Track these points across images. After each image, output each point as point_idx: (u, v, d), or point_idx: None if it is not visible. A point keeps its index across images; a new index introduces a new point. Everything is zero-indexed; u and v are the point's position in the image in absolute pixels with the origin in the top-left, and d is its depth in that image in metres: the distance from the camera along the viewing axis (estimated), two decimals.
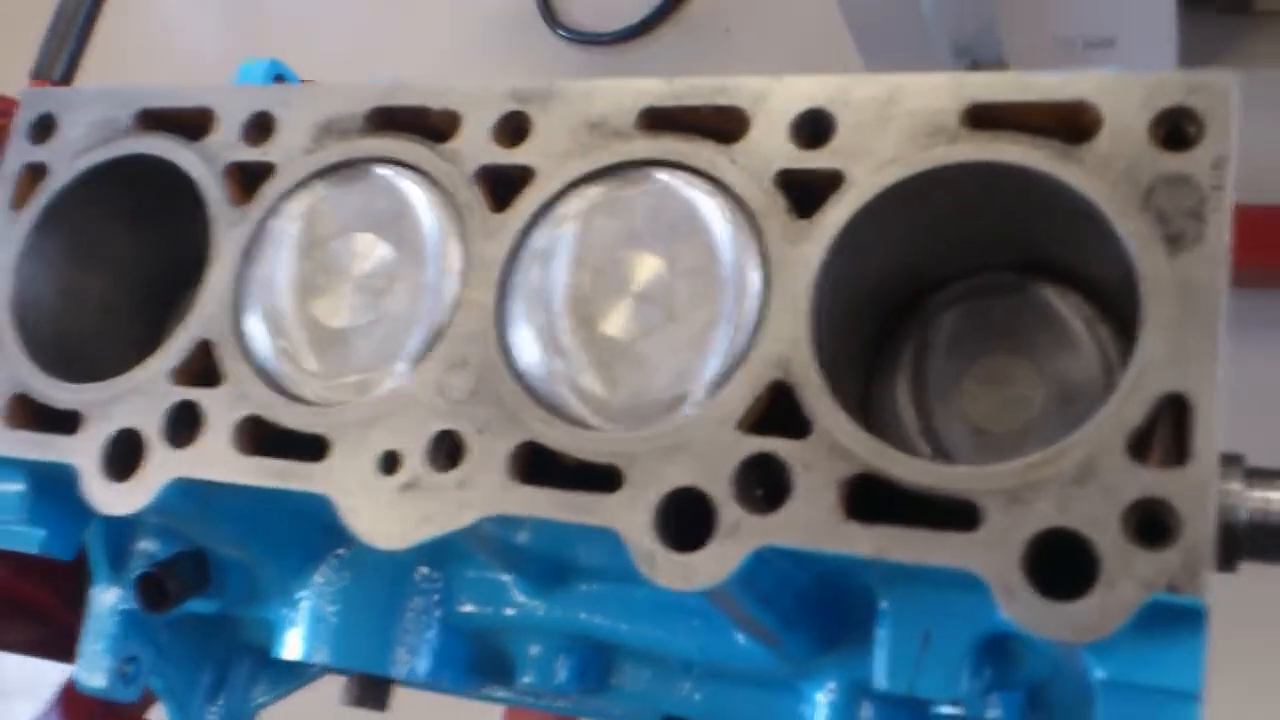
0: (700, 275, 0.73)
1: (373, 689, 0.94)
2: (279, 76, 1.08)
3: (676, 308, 0.73)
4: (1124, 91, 0.67)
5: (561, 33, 3.17)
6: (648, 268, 0.75)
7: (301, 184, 0.82)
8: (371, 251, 0.82)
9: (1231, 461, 0.75)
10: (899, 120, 0.71)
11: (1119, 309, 0.75)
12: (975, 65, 2.52)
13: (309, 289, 0.83)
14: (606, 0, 3.18)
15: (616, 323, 0.75)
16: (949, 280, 0.82)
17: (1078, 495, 0.61)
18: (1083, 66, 2.01)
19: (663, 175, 0.76)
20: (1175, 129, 0.66)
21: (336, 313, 0.82)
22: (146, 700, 1.20)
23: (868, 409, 0.81)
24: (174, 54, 3.53)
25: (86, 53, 1.47)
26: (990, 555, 0.61)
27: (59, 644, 1.19)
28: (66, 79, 1.43)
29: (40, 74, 1.44)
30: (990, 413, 0.79)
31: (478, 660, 0.92)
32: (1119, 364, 0.75)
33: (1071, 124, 0.68)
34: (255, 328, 0.82)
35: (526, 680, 0.90)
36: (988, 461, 0.65)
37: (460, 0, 3.36)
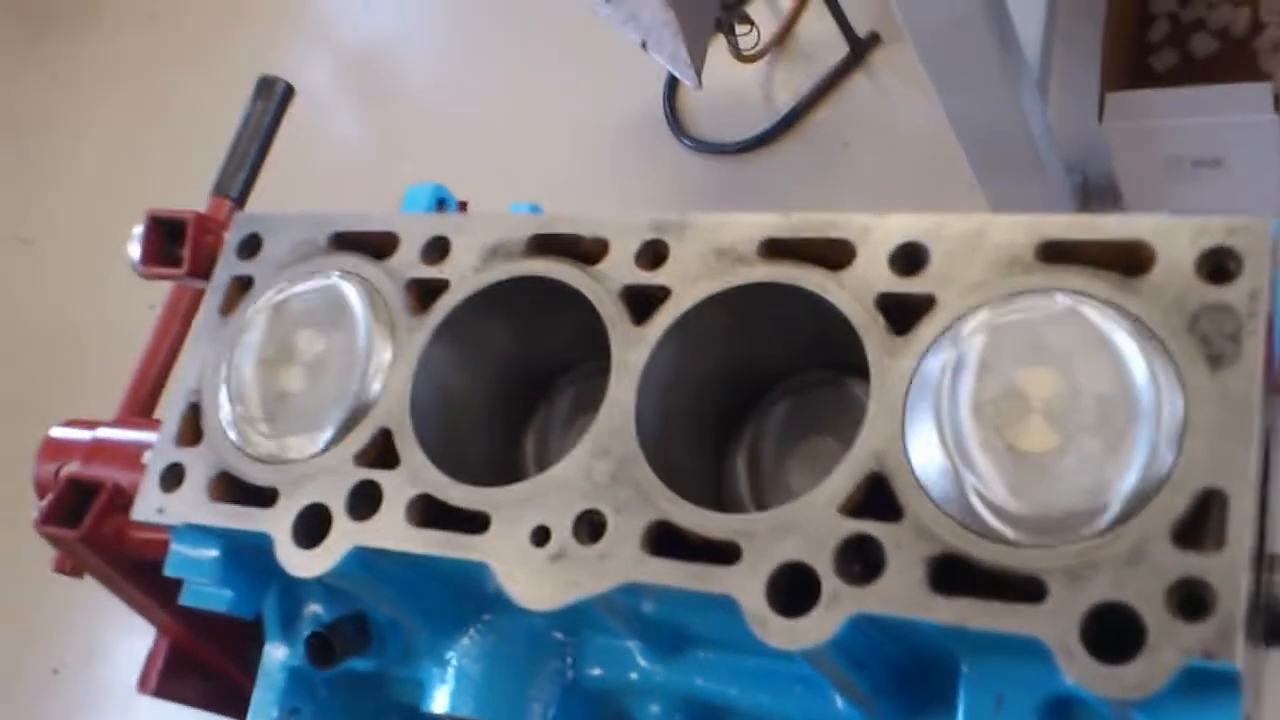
0: None
1: None
2: (441, 200, 1.24)
3: None
4: (1174, 233, 0.78)
5: (687, 142, 3.33)
6: None
7: (472, 299, 0.96)
8: None
9: None
10: (984, 252, 0.83)
11: None
12: (1087, 181, 2.62)
13: None
14: (731, 113, 3.33)
15: None
16: None
17: (1129, 574, 0.71)
18: (1191, 185, 2.07)
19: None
20: (1218, 265, 0.77)
21: None
22: None
23: None
24: (327, 169, 3.76)
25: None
26: (1054, 624, 0.71)
27: (222, 698, 1.33)
28: (243, 196, 1.60)
29: (220, 191, 1.61)
30: None
31: (602, 717, 1.02)
32: None
33: (1130, 259, 0.79)
34: None
35: None
36: None
37: (595, 111, 3.55)
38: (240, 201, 1.61)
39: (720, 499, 1.01)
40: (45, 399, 3.21)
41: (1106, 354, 0.78)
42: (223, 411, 1.03)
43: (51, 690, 3.47)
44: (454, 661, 1.02)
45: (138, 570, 1.25)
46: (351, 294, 1.01)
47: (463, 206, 1.36)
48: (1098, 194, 2.64)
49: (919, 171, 2.93)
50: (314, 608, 1.10)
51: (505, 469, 1.07)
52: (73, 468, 1.37)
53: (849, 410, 0.98)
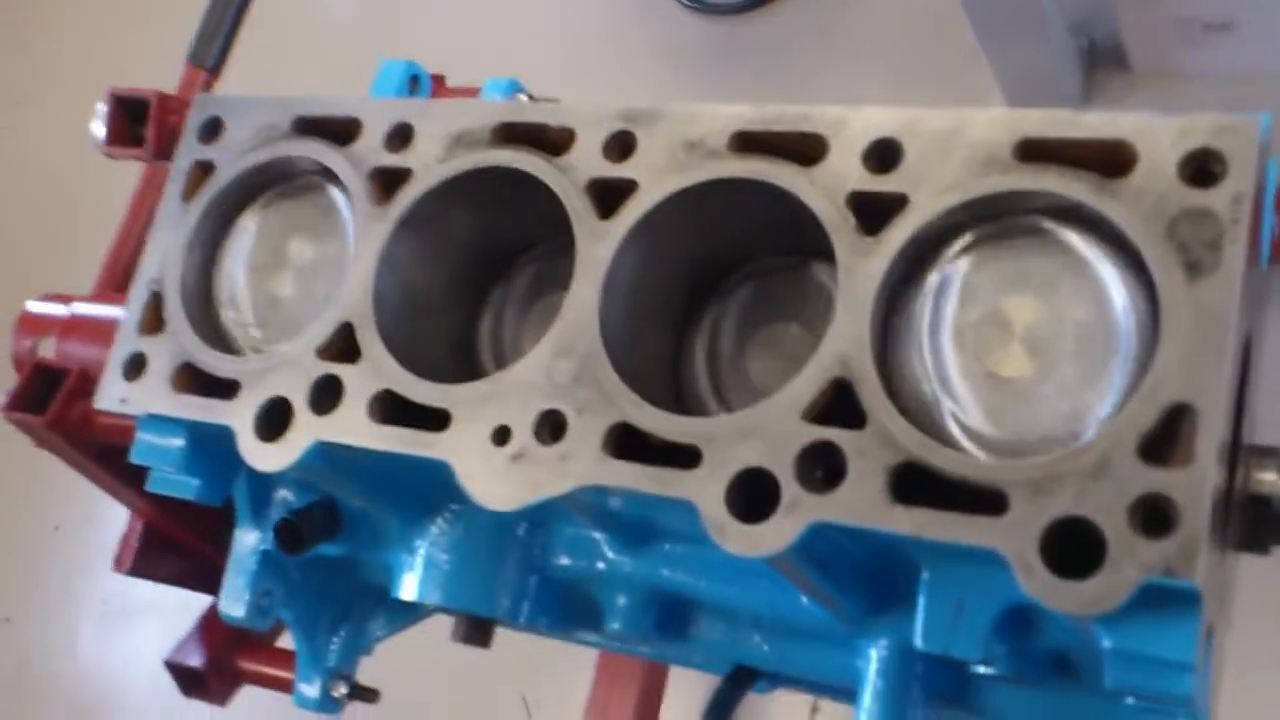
0: None
1: (478, 629, 1.05)
2: (414, 76, 1.21)
3: None
4: (1158, 132, 0.75)
5: (684, 1, 3.24)
6: None
7: (435, 190, 0.93)
8: None
9: (1268, 454, 0.84)
10: (960, 151, 0.80)
11: None
12: (1093, 44, 2.55)
13: None
14: None
15: None
16: None
17: (1092, 488, 0.69)
18: (1200, 49, 2.00)
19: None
20: (1202, 168, 0.73)
21: None
22: (277, 629, 1.34)
23: None
24: (314, 35, 3.68)
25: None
26: (1013, 537, 0.70)
27: (198, 576, 1.34)
28: (218, 67, 1.56)
29: (195, 60, 1.57)
30: None
31: (571, 607, 1.02)
32: None
33: (1110, 159, 0.76)
34: None
35: (614, 627, 1.00)
36: None
37: None
38: (215, 70, 1.57)
39: (680, 390, 0.99)
40: (38, 269, 3.19)
41: (1087, 282, 0.76)
42: (220, 305, 1.02)
43: (53, 546, 3.53)
44: (422, 550, 1.02)
45: (107, 455, 1.24)
46: (340, 201, 0.99)
47: (439, 81, 1.32)
48: (1104, 58, 2.57)
49: (921, 34, 2.87)
50: (284, 493, 1.10)
51: (464, 355, 1.05)
52: (48, 345, 1.35)
53: (810, 295, 0.97)
